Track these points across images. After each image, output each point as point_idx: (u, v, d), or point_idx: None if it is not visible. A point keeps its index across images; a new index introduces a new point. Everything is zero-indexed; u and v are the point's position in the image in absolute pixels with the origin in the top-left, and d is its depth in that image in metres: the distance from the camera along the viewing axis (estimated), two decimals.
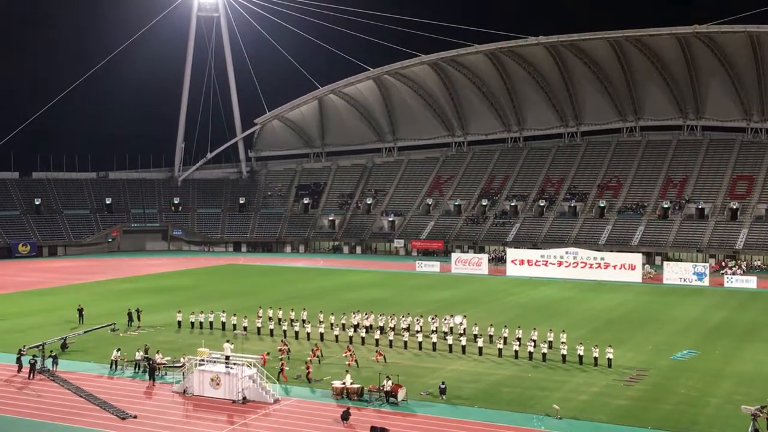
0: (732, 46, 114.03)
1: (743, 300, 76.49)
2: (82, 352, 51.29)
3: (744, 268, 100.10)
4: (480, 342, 51.52)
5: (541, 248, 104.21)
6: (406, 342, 52.74)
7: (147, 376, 44.85)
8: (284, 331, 56.65)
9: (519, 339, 51.33)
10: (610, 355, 47.49)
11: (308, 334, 55.63)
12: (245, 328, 57.92)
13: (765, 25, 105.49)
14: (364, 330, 56.38)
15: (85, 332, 53.98)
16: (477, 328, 54.28)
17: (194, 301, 71.87)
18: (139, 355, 46.64)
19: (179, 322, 59.99)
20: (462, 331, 54.66)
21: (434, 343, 52.25)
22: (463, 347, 51.25)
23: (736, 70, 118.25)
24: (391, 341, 53.23)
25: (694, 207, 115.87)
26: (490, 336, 53.85)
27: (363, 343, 53.83)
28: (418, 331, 54.41)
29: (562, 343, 49.54)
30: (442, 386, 41.25)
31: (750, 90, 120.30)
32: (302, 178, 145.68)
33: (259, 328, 57.67)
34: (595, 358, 47.59)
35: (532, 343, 50.10)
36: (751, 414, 33.42)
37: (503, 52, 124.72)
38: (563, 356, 48.45)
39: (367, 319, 58.46)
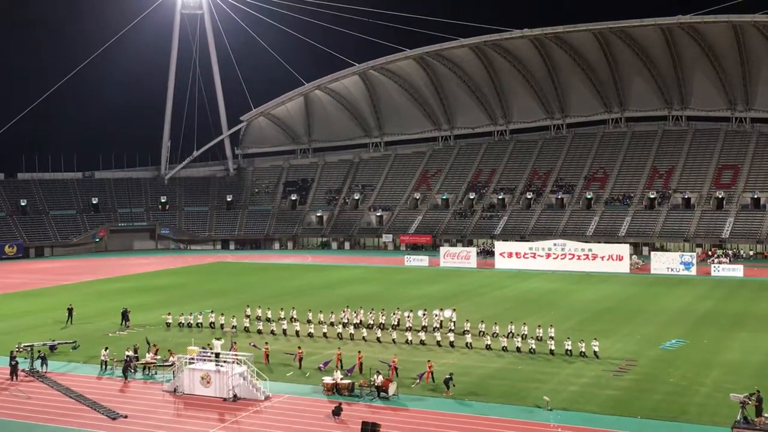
0: (715, 36, 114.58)
1: (730, 289, 76.96)
2: (72, 353, 51.07)
3: (731, 256, 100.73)
4: (468, 337, 51.47)
5: (529, 241, 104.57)
6: (394, 339, 52.50)
7: (136, 376, 44.86)
8: (272, 331, 56.53)
9: (511, 333, 51.37)
10: (596, 348, 47.75)
11: (297, 331, 55.52)
12: (234, 327, 57.72)
13: (747, 14, 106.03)
14: (352, 327, 56.23)
15: (60, 343, 52.41)
16: (469, 324, 54.27)
17: (183, 300, 71.72)
18: (129, 354, 46.47)
19: (168, 323, 59.76)
20: (452, 326, 54.85)
21: (422, 340, 52.17)
22: (451, 342, 51.21)
23: (720, 60, 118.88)
24: (378, 338, 53.13)
25: (680, 197, 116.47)
26: (482, 332, 53.56)
27: (352, 338, 53.82)
28: (409, 328, 54.32)
29: (551, 337, 49.60)
30: (447, 377, 41.07)
31: (734, 79, 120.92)
32: (289, 174, 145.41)
33: (246, 327, 57.46)
34: (582, 352, 47.80)
35: (519, 338, 50.04)
36: (739, 402, 33.61)
37: (488, 46, 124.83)
38: (551, 351, 48.41)
39: (356, 316, 58.46)
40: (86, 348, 51.95)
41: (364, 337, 53.48)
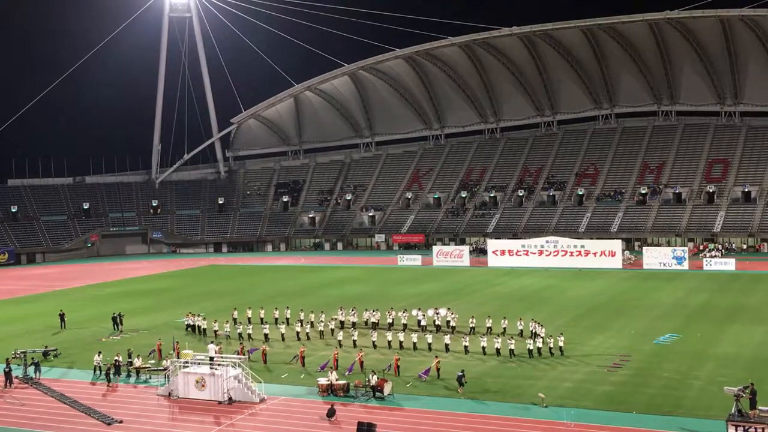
0: (703, 30, 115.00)
1: (723, 282, 77.19)
2: (65, 358, 50.89)
3: (722, 250, 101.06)
4: (447, 339, 50.92)
5: (522, 238, 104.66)
6: (390, 342, 51.98)
7: (130, 380, 44.77)
8: (249, 335, 55.93)
9: (504, 329, 51.54)
10: (561, 343, 47.72)
11: (282, 335, 54.65)
12: (216, 330, 57.36)
13: (735, 8, 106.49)
14: (340, 325, 56.00)
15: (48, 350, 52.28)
16: (474, 320, 54.29)
17: (177, 303, 71.52)
18: (116, 359, 46.18)
19: (188, 325, 58.97)
20: (446, 324, 54.91)
21: (399, 340, 51.78)
22: (429, 345, 50.60)
23: (708, 55, 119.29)
24: (354, 340, 52.44)
25: (671, 192, 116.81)
26: (473, 328, 53.69)
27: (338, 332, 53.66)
28: (416, 328, 54.16)
29: (536, 334, 49.45)
30: (460, 374, 41.05)
31: (722, 74, 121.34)
32: (281, 176, 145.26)
33: (228, 333, 57.01)
34: (550, 348, 47.75)
35: (498, 339, 49.16)
36: (734, 395, 33.69)
37: (477, 44, 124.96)
38: (529, 351, 47.52)
39: (352, 315, 58.37)
40: (80, 353, 51.80)
41: (338, 339, 52.78)
